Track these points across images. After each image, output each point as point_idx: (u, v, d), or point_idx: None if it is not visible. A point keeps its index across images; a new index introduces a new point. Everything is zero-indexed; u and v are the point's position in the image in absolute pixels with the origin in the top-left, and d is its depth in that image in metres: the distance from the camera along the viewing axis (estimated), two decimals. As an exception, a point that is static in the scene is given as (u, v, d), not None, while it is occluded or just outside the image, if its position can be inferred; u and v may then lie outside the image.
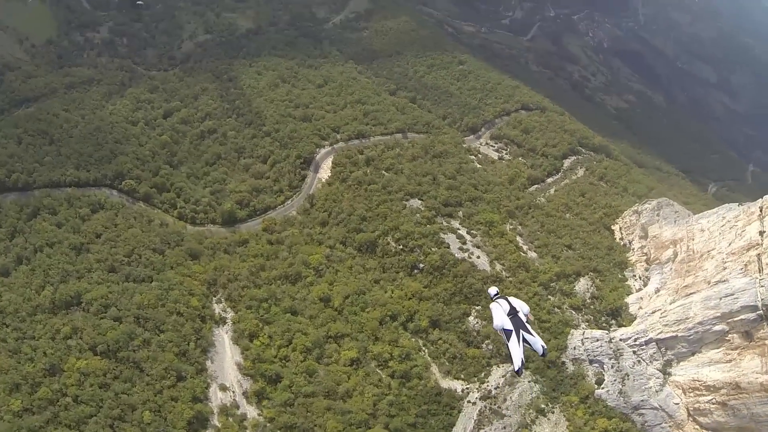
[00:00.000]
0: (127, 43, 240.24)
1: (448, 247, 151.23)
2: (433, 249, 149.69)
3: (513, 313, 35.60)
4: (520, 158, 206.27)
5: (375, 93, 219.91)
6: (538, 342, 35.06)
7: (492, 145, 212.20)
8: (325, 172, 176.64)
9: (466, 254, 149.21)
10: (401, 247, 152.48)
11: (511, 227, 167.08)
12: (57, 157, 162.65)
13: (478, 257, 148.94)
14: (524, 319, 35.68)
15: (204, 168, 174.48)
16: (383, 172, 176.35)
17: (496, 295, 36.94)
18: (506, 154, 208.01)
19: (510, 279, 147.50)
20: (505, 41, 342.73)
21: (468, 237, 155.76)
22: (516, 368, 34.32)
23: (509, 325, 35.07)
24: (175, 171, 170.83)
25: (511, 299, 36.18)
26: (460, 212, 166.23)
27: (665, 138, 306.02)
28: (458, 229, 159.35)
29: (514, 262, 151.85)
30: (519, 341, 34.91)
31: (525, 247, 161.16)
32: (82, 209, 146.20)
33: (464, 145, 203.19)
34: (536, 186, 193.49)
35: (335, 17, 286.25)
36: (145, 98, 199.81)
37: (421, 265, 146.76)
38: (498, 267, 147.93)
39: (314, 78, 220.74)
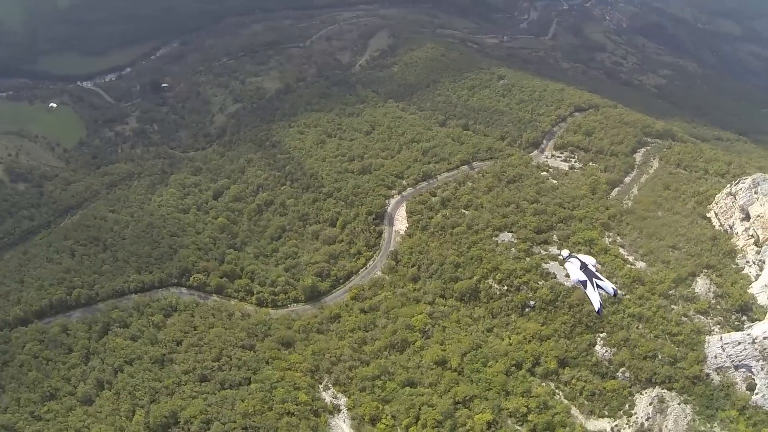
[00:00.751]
0: (158, 129, 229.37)
1: (555, 277, 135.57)
2: (540, 282, 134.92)
3: (584, 266, 45.39)
4: (591, 163, 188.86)
5: (425, 128, 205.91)
6: (608, 285, 45.65)
7: (558, 156, 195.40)
8: (401, 224, 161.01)
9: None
10: (506, 287, 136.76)
11: (610, 240, 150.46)
12: (115, 264, 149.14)
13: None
14: (593, 269, 45.35)
15: (271, 244, 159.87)
16: (463, 210, 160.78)
17: (568, 256, 47.84)
18: (575, 161, 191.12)
19: (627, 297, 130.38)
20: (529, 45, 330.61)
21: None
22: (597, 309, 44.87)
23: (584, 277, 45.29)
24: (241, 253, 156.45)
25: (581, 256, 46.54)
26: (555, 235, 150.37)
27: (711, 105, 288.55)
28: (558, 254, 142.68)
29: (627, 277, 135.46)
30: (594, 287, 44.73)
31: (631, 258, 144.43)
32: (155, 316, 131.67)
33: (533, 163, 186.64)
34: (617, 189, 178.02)
35: (360, 59, 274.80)
36: (191, 182, 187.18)
37: (532, 302, 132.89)
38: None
39: (359, 125, 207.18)
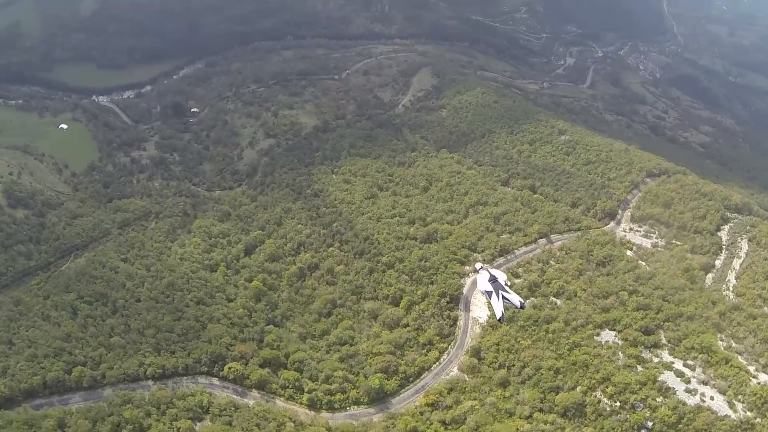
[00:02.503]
0: (179, 160, 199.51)
1: (676, 393, 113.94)
2: (658, 399, 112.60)
3: (493, 279, 51.30)
4: (674, 241, 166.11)
5: (489, 188, 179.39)
6: (515, 298, 50.92)
7: (638, 230, 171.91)
8: (479, 310, 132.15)
9: (696, 397, 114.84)
10: (618, 403, 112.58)
11: (724, 344, 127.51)
12: (127, 335, 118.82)
13: (712, 398, 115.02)
14: (503, 284, 50.73)
15: (319, 323, 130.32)
16: (554, 299, 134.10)
17: (480, 268, 54.87)
18: (656, 237, 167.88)
19: (758, 420, 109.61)
20: (569, 93, 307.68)
21: (687, 371, 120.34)
22: (498, 317, 50.51)
23: (490, 288, 50.45)
24: (283, 330, 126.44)
25: (491, 270, 53.42)
26: (662, 336, 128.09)
27: (759, 166, 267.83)
28: (672, 363, 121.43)
29: (758, 397, 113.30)
30: (499, 298, 49.56)
31: (752, 369, 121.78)
32: (180, 421, 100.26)
33: (617, 238, 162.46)
34: (710, 275, 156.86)
35: (403, 98, 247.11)
36: (218, 231, 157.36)
37: (650, 424, 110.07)
38: (739, 407, 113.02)
39: (414, 179, 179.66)
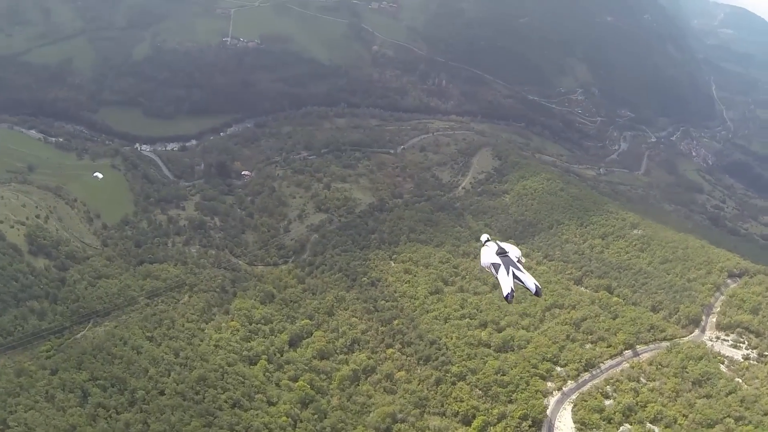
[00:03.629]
0: (220, 225, 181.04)
1: None
2: None
3: (502, 253, 37.24)
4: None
5: (564, 287, 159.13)
6: (530, 280, 35.89)
7: (725, 339, 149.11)
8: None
9: None
10: None
11: None
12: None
13: None
14: (515, 260, 36.87)
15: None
16: (651, 426, 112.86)
17: (487, 240, 39.39)
18: (748, 348, 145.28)
19: None
20: (626, 180, 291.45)
21: None
22: (505, 294, 34.99)
23: (497, 260, 36.62)
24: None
25: (501, 243, 38.44)
26: None
27: None
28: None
29: None
30: (508, 273, 35.80)
31: None
32: None
33: (709, 352, 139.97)
34: None
35: (462, 180, 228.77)
36: (260, 315, 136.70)
37: None
38: None
39: (482, 274, 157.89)
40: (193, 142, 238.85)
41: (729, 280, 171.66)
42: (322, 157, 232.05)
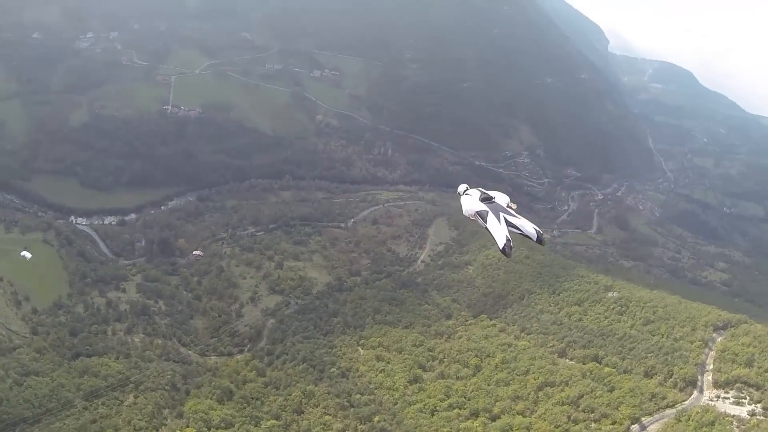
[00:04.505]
0: (165, 310, 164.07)
1: None
2: None
3: (488, 199, 31.42)
4: None
5: (550, 362, 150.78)
6: (527, 225, 30.46)
7: (726, 397, 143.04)
8: None
9: None
10: None
11: None
12: None
13: None
14: (504, 206, 31.21)
15: None
16: None
17: (466, 189, 33.08)
18: (750, 403, 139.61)
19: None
20: (580, 240, 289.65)
21: None
22: (501, 246, 29.69)
23: (483, 208, 30.89)
24: None
25: (486, 190, 32.05)
26: None
27: None
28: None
29: None
30: (500, 221, 30.24)
31: None
32: None
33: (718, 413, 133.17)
34: None
35: (420, 253, 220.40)
36: (219, 419, 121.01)
37: None
38: None
39: (461, 356, 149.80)
40: (133, 215, 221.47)
41: (714, 334, 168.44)
42: (270, 233, 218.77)
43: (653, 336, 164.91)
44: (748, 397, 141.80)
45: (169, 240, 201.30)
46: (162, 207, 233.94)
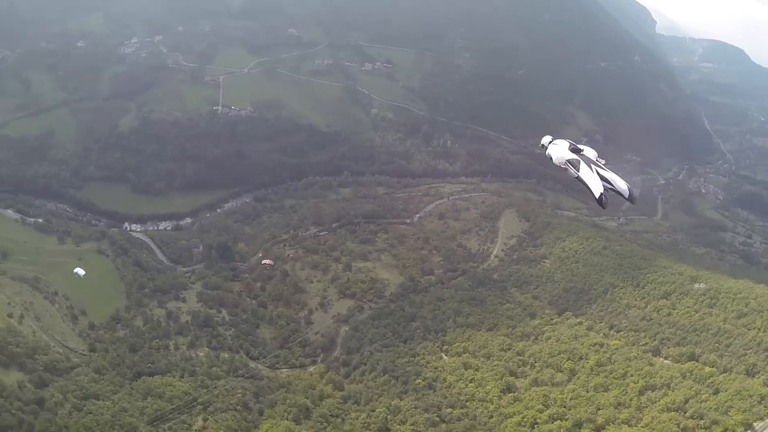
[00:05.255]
0: (229, 320, 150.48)
1: None
2: None
3: (577, 150, 30.46)
4: None
5: (646, 363, 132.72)
6: (619, 181, 29.44)
7: None
8: None
9: None
10: None
11: None
12: None
13: None
14: (594, 159, 30.19)
15: None
16: None
17: (551, 141, 32.30)
18: None
19: None
20: (648, 228, 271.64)
21: None
22: (597, 194, 28.35)
23: (574, 157, 29.87)
24: None
25: (573, 142, 31.01)
26: None
27: None
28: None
29: None
30: (593, 171, 29.20)
31: None
32: None
33: None
34: None
35: (493, 248, 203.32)
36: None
37: None
38: None
39: (553, 359, 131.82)
40: (188, 220, 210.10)
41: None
42: (334, 233, 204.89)
43: (749, 330, 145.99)
44: None
45: (228, 244, 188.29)
46: (218, 210, 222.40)
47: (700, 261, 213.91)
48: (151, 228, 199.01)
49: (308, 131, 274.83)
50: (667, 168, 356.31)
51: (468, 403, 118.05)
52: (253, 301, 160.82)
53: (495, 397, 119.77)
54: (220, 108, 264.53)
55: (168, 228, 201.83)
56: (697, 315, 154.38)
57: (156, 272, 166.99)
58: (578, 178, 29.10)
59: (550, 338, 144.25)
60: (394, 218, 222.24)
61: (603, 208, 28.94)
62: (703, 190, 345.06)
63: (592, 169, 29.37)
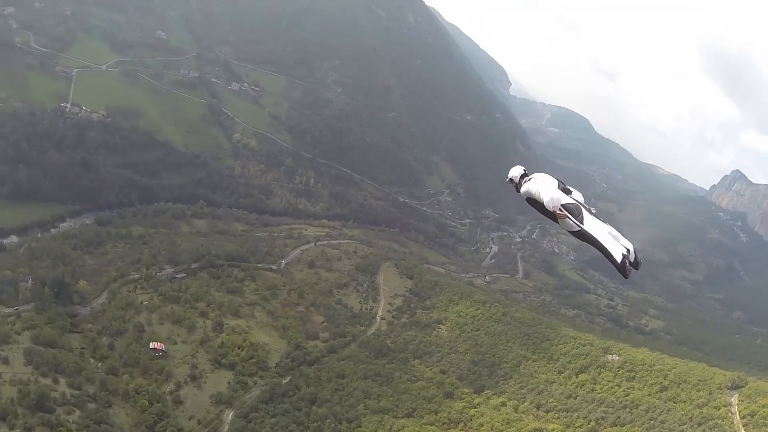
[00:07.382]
0: (71, 397, 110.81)
1: None
2: None
3: (567, 192, 19.38)
4: None
5: None
6: (621, 238, 18.80)
7: None
8: None
9: None
10: None
11: None
12: None
13: None
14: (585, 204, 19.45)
15: None
16: None
17: (524, 174, 20.77)
18: None
19: None
20: (514, 287, 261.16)
21: None
22: (618, 260, 17.84)
23: (571, 200, 18.94)
24: None
25: (562, 181, 19.87)
26: None
27: (726, 343, 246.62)
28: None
29: None
30: (602, 223, 18.80)
31: None
32: None
33: None
34: None
35: (377, 307, 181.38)
36: None
37: None
38: None
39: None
40: (14, 238, 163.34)
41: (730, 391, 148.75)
42: (195, 276, 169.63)
43: (675, 404, 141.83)
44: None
45: (66, 281, 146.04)
46: (52, 230, 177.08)
47: (580, 325, 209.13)
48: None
49: (165, 149, 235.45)
50: (521, 226, 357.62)
51: None
52: (100, 365, 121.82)
53: None
54: (69, 106, 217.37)
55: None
56: (620, 390, 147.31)
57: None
58: (580, 234, 18.20)
59: (483, 425, 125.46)
60: (259, 262, 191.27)
61: (625, 277, 18.34)
62: (556, 250, 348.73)
63: (600, 221, 18.60)
